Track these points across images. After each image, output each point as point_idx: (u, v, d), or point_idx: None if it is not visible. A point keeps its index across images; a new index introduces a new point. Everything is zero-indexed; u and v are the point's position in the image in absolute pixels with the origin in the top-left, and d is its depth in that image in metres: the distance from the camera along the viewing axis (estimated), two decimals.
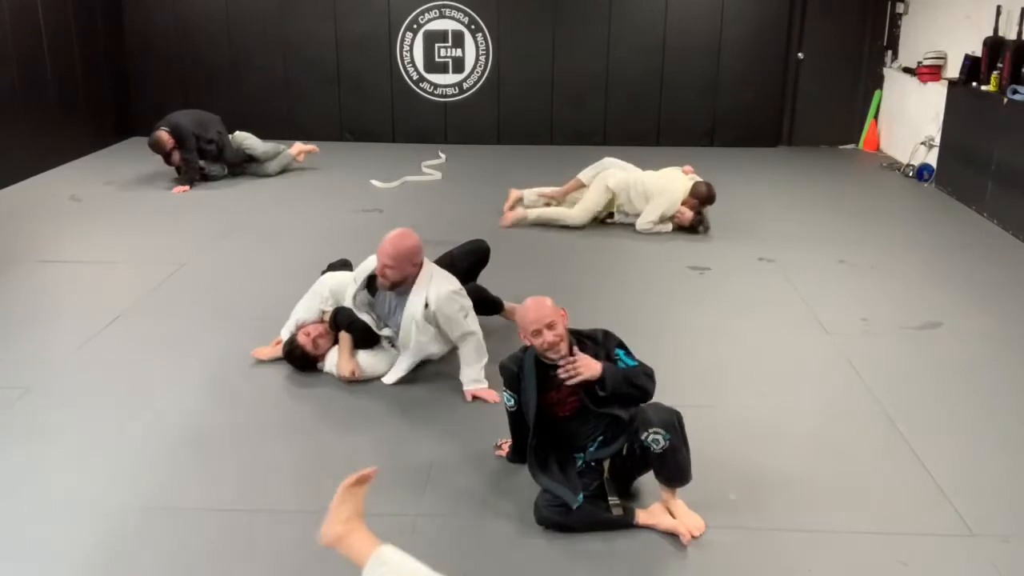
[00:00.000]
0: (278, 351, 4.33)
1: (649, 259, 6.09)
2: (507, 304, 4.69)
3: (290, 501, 3.25)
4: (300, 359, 4.22)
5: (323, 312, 4.34)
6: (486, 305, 4.61)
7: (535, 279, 5.50)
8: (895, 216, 7.42)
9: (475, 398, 4.02)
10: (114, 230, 6.57)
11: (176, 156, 7.72)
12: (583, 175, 6.96)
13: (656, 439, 2.95)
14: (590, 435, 3.21)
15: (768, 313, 5.12)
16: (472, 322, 4.10)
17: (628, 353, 3.25)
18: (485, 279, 4.74)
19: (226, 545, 3.02)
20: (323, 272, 4.65)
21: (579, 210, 6.71)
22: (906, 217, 7.44)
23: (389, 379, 4.17)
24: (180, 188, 7.64)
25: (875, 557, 2.98)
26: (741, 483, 3.37)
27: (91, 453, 3.55)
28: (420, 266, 4.03)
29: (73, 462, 3.49)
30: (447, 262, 4.48)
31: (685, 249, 6.28)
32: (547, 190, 7.07)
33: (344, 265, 4.74)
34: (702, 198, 6.58)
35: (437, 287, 4.02)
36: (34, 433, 3.70)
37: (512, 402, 3.23)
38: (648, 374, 3.19)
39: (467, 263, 4.61)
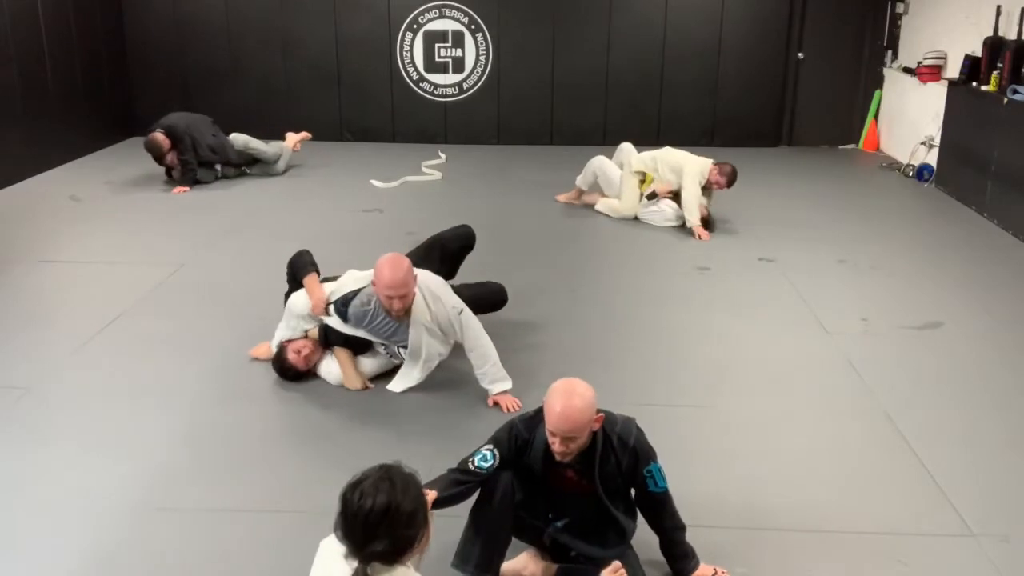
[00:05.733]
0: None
1: (649, 258, 6.09)
2: None
3: (289, 501, 3.25)
4: (293, 376, 4.15)
5: (306, 331, 4.21)
6: (496, 305, 4.60)
7: (534, 278, 5.50)
8: (895, 216, 7.42)
9: (495, 404, 3.93)
10: (114, 230, 6.57)
11: (171, 157, 7.71)
12: (579, 181, 7.25)
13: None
14: (562, 512, 2.80)
15: (768, 313, 5.12)
16: (468, 315, 4.00)
17: (660, 471, 2.74)
18: (485, 274, 4.71)
19: (225, 545, 3.02)
20: (288, 292, 4.41)
21: (625, 202, 6.89)
22: (906, 217, 7.44)
23: (396, 387, 4.11)
24: (180, 188, 7.63)
25: (875, 557, 2.98)
26: (741, 483, 3.37)
27: (91, 453, 3.55)
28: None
29: (72, 462, 3.49)
30: (437, 244, 4.51)
31: (685, 249, 6.28)
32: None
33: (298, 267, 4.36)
34: (731, 180, 6.72)
35: (435, 298, 3.97)
36: (34, 433, 3.70)
37: (489, 465, 2.66)
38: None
39: (456, 246, 4.59)
